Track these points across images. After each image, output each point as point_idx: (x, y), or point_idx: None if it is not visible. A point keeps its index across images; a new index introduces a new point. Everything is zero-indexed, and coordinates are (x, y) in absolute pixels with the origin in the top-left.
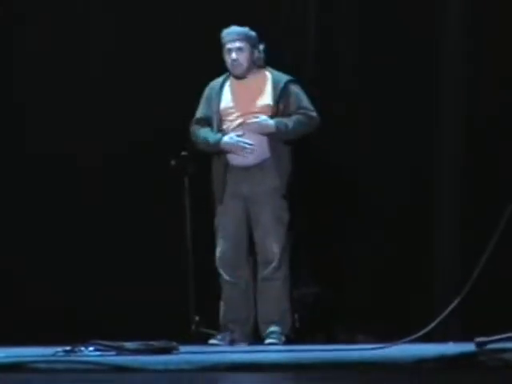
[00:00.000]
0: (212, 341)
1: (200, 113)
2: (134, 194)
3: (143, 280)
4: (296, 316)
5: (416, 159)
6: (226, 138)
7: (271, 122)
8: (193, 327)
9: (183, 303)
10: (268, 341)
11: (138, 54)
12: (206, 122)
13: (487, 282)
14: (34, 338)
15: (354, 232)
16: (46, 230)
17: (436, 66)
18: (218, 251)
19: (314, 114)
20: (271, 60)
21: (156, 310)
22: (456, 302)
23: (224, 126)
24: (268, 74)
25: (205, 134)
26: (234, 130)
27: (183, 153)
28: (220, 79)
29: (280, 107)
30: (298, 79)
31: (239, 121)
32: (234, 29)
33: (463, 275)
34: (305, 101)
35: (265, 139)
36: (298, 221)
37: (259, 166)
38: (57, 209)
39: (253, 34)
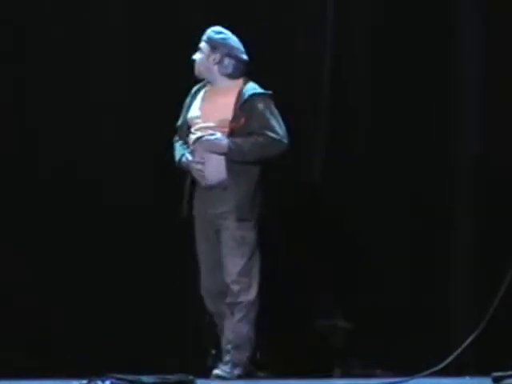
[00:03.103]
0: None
1: (179, 121)
2: (146, 217)
3: (159, 312)
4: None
5: (429, 194)
6: (183, 159)
7: (225, 141)
8: (209, 361)
9: (199, 336)
10: (215, 372)
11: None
12: (181, 131)
13: (503, 316)
14: (48, 368)
15: (371, 267)
16: (59, 255)
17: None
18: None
19: (278, 136)
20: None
21: (171, 343)
22: (472, 336)
23: (188, 138)
24: (240, 86)
25: (175, 148)
26: (192, 144)
27: None
28: (198, 85)
29: (240, 123)
30: (271, 94)
31: (197, 135)
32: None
33: (478, 311)
34: (271, 120)
35: (222, 159)
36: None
37: (221, 186)
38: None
39: (218, 37)
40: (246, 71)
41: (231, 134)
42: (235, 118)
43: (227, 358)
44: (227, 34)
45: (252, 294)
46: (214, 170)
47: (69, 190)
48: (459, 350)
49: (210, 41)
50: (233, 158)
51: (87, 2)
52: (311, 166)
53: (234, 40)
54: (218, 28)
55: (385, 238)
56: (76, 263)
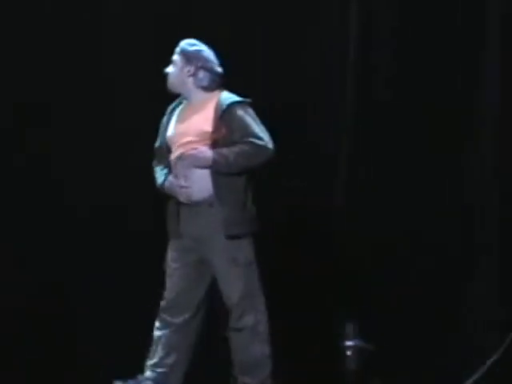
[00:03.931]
0: None
1: (157, 142)
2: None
3: None
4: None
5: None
6: (166, 183)
7: (208, 153)
8: None
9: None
10: None
11: None
12: (161, 153)
13: None
14: None
15: (395, 288)
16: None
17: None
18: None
19: (263, 142)
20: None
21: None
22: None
23: (170, 158)
24: (216, 97)
25: (156, 173)
26: (173, 163)
27: None
28: (174, 104)
29: (222, 134)
30: (249, 101)
31: (178, 152)
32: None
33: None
34: (253, 127)
35: (207, 173)
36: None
37: (207, 203)
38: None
39: (192, 49)
40: (222, 83)
41: (214, 146)
42: (216, 129)
43: (246, 380)
44: (201, 47)
45: (255, 315)
46: (198, 185)
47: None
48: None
49: (183, 53)
50: (218, 170)
51: None
52: (334, 187)
53: (208, 52)
54: (191, 40)
55: (407, 255)
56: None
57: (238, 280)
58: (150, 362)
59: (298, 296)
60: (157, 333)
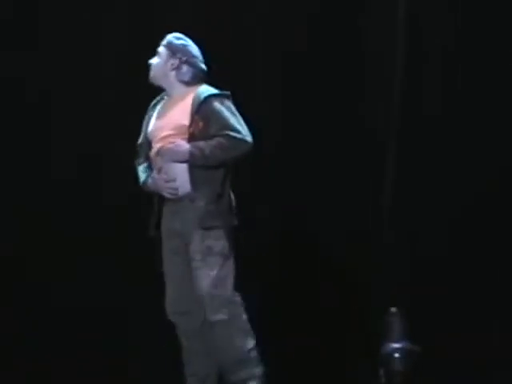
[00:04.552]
0: None
1: (139, 139)
2: None
3: None
4: (381, 371)
5: None
6: (149, 180)
7: (185, 147)
8: None
9: None
10: None
11: None
12: (142, 149)
13: None
14: None
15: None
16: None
17: None
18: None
19: (241, 135)
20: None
21: None
22: None
23: (150, 154)
24: (195, 90)
25: (138, 171)
26: (153, 158)
27: None
28: (155, 99)
29: (199, 127)
30: (228, 94)
31: (158, 146)
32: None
33: None
34: (231, 120)
35: (186, 167)
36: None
37: (188, 198)
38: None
39: (178, 42)
40: (205, 80)
41: (191, 139)
42: (192, 122)
43: (233, 378)
44: (188, 41)
45: (231, 307)
46: (180, 180)
47: None
48: None
49: (169, 45)
50: (195, 163)
51: None
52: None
53: (193, 48)
54: (178, 34)
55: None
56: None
57: (210, 269)
58: (185, 371)
59: (340, 293)
60: (181, 341)
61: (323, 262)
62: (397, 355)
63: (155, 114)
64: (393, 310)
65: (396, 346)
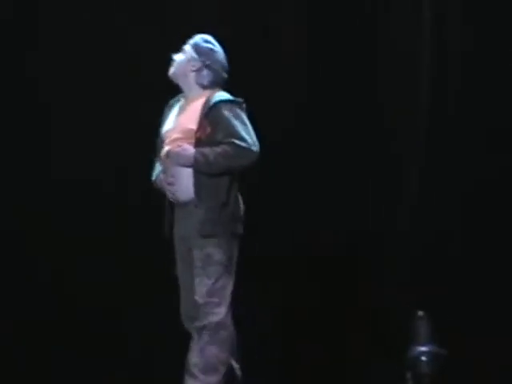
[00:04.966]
0: None
1: (157, 137)
2: None
3: None
4: (408, 374)
5: None
6: (158, 179)
7: (190, 152)
8: None
9: None
10: None
11: None
12: (158, 148)
13: None
14: None
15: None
16: None
17: None
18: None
19: (246, 144)
20: None
21: None
22: None
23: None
24: (208, 95)
25: (155, 167)
26: (163, 159)
27: None
28: (175, 98)
29: (206, 133)
30: (239, 101)
31: (167, 148)
32: None
33: None
34: (238, 128)
35: (191, 172)
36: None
37: (193, 203)
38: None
39: (205, 45)
40: (222, 87)
41: (198, 144)
42: (200, 127)
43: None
44: (215, 46)
45: (219, 315)
46: (185, 185)
47: None
48: None
49: (196, 46)
50: (199, 169)
51: None
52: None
53: (219, 53)
54: (208, 37)
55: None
56: None
57: (208, 278)
58: None
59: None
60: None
61: (346, 262)
62: (424, 358)
63: (172, 114)
64: (420, 313)
65: (423, 349)
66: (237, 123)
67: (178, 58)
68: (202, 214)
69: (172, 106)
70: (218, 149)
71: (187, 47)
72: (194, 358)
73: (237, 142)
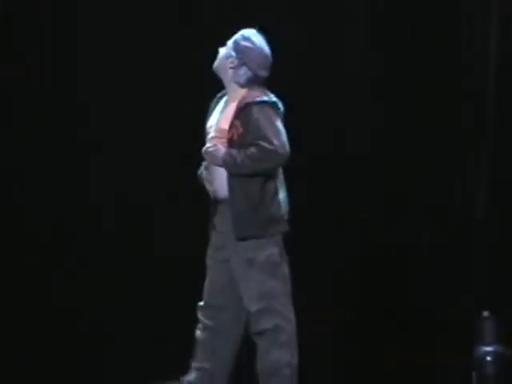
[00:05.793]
0: None
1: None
2: None
3: None
4: (474, 375)
5: None
6: (202, 175)
7: (221, 152)
8: None
9: None
10: None
11: None
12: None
13: None
14: None
15: None
16: None
17: None
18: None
19: (272, 146)
20: None
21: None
22: None
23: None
24: (244, 94)
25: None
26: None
27: None
28: (222, 93)
29: (238, 132)
30: (272, 102)
31: (205, 146)
32: None
33: None
34: (266, 130)
35: (225, 172)
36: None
37: (226, 201)
38: None
39: (243, 43)
40: (260, 85)
41: (230, 144)
42: (232, 127)
43: None
44: (255, 44)
45: (273, 320)
46: (222, 183)
47: None
48: None
49: (235, 43)
50: (229, 171)
51: None
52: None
53: (258, 52)
54: (249, 33)
55: None
56: None
57: (253, 282)
58: (193, 364)
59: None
60: (197, 334)
61: (410, 262)
62: (489, 359)
63: (216, 110)
64: (485, 313)
65: (489, 349)
66: (266, 125)
67: (221, 51)
68: (235, 216)
69: (218, 102)
70: (247, 151)
71: (229, 42)
72: (258, 365)
73: (263, 143)
